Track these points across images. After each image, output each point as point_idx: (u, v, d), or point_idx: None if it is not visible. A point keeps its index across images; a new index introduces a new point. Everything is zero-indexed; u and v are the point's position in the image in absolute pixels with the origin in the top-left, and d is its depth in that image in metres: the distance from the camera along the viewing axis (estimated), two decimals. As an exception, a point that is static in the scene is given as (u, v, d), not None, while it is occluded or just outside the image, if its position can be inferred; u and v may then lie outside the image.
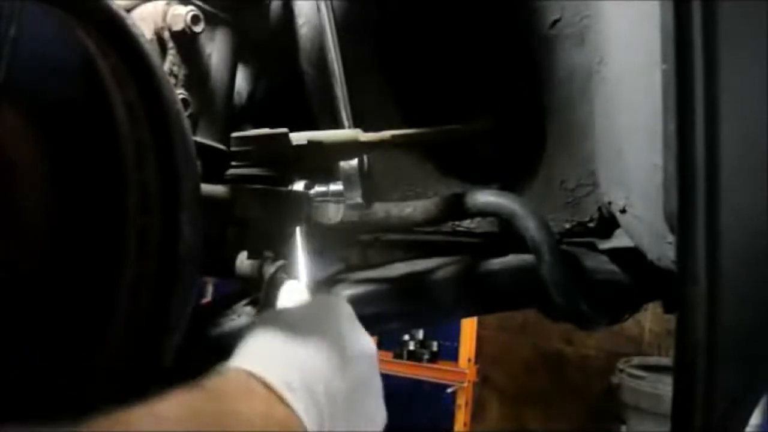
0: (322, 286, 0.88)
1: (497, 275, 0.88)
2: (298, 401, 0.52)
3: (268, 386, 0.52)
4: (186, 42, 0.85)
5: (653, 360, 3.39)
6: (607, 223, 0.87)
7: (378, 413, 0.62)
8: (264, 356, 0.56)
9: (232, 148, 0.82)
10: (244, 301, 0.88)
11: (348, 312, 0.65)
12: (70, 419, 0.41)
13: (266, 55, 1.05)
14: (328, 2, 0.88)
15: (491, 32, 0.95)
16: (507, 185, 0.94)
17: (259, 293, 0.80)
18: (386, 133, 0.85)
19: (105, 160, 0.63)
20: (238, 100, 1.02)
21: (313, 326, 0.60)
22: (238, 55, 0.94)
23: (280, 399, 0.52)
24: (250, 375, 0.53)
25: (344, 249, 1.05)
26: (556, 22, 0.86)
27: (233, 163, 0.81)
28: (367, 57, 0.98)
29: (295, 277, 0.79)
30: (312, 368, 0.56)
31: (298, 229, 0.79)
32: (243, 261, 0.84)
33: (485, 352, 3.86)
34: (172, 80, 0.84)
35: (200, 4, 0.87)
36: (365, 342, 0.63)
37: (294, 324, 0.60)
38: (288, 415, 0.52)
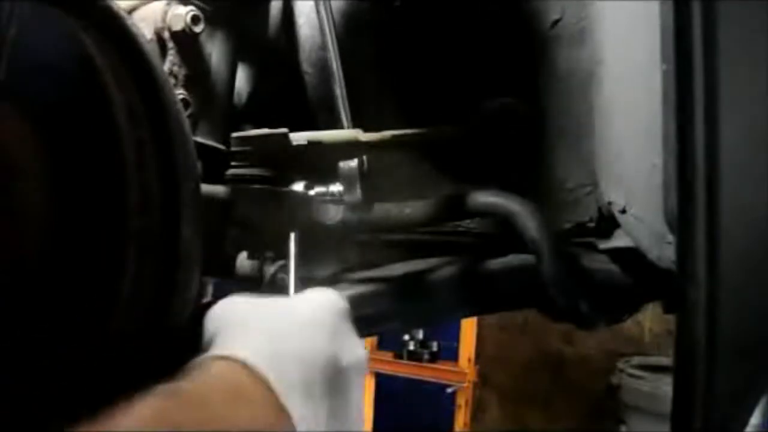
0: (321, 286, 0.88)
1: (497, 275, 0.88)
2: (296, 408, 0.44)
3: (263, 383, 0.45)
4: (186, 42, 0.85)
5: (653, 360, 3.39)
6: (607, 223, 0.87)
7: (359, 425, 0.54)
8: (257, 346, 0.48)
9: (232, 148, 0.82)
10: (244, 302, 0.87)
11: (344, 311, 0.59)
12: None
13: (266, 55, 1.05)
14: (328, 2, 0.88)
15: (491, 32, 0.95)
16: (506, 185, 0.93)
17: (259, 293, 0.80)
18: (386, 133, 0.85)
19: (105, 160, 0.63)
20: (238, 100, 1.02)
21: (306, 320, 0.54)
22: (238, 55, 0.94)
23: (278, 405, 0.44)
24: (243, 367, 0.45)
25: (344, 249, 1.05)
26: (556, 22, 0.86)
27: (233, 163, 0.81)
28: (366, 57, 0.98)
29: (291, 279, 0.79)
30: (311, 368, 0.49)
31: (292, 234, 0.78)
32: (243, 261, 0.84)
33: (485, 352, 3.85)
34: (172, 80, 0.84)
35: (200, 4, 0.86)
36: (359, 349, 0.57)
37: (286, 315, 0.54)
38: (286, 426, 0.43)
